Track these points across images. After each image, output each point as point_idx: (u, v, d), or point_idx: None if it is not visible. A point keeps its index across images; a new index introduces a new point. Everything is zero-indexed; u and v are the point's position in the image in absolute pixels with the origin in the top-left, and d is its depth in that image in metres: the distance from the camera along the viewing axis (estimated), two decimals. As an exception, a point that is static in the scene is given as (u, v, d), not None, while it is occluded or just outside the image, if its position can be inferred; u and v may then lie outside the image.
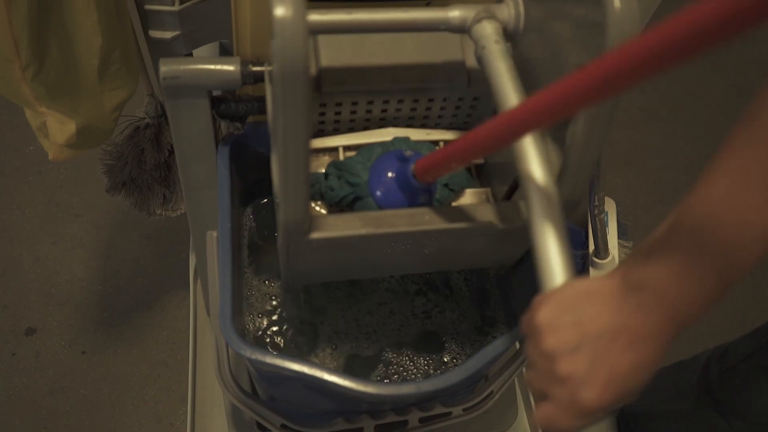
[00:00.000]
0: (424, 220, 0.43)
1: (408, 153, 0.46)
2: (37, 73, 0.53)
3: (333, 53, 0.48)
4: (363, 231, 0.43)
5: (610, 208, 1.10)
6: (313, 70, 0.46)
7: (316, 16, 0.40)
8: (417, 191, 0.44)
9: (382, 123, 0.54)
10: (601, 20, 0.35)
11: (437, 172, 0.41)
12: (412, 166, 0.43)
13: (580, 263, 1.11)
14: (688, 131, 1.42)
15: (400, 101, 0.52)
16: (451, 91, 0.52)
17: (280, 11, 0.32)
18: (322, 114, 0.52)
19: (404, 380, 0.60)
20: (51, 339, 1.05)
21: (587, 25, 0.37)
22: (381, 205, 0.45)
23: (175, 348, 1.05)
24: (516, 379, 0.87)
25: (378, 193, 0.45)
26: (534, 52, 0.44)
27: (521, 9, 0.44)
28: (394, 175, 0.45)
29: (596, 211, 0.96)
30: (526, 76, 0.46)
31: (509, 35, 0.45)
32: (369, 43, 0.49)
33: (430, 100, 0.52)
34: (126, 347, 1.05)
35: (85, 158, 1.13)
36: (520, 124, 0.31)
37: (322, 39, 0.50)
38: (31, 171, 1.23)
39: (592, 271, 1.04)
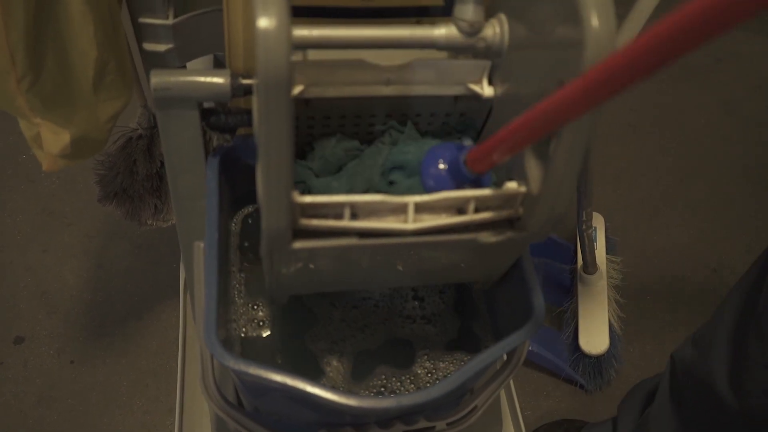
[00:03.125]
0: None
1: (467, 142, 0.45)
2: (32, 85, 0.54)
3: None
4: (346, 242, 0.43)
5: (599, 223, 1.11)
6: (301, 86, 0.46)
7: (300, 31, 0.41)
8: (466, 181, 0.43)
9: (370, 137, 0.55)
10: (579, 38, 0.36)
11: (487, 161, 0.40)
12: (464, 155, 0.42)
13: (568, 278, 1.12)
14: (676, 148, 1.43)
15: (388, 115, 0.53)
16: (438, 105, 0.52)
17: (263, 22, 0.33)
18: (310, 127, 0.52)
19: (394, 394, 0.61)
20: (40, 348, 1.05)
21: (567, 43, 0.38)
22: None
23: (164, 358, 1.05)
24: (503, 392, 0.87)
25: (431, 182, 0.44)
26: (516, 73, 0.45)
27: (506, 27, 0.45)
28: (446, 166, 0.44)
29: (584, 226, 0.97)
30: (509, 99, 0.47)
31: (494, 54, 0.46)
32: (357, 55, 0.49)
33: (418, 115, 0.53)
34: (115, 357, 1.05)
35: (78, 168, 1.14)
36: (568, 107, 0.30)
37: (312, 54, 0.51)
38: (23, 179, 1.24)
39: (579, 286, 1.05)
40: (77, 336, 1.06)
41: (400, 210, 0.42)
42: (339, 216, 0.42)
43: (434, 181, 0.44)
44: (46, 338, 1.05)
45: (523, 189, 0.43)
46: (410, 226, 0.41)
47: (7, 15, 0.49)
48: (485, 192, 0.42)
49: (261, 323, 0.62)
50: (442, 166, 0.44)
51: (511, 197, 0.43)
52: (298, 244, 0.43)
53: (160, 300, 1.11)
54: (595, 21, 0.36)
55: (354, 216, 0.42)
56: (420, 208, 0.42)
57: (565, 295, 1.11)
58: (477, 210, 0.43)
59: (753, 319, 0.64)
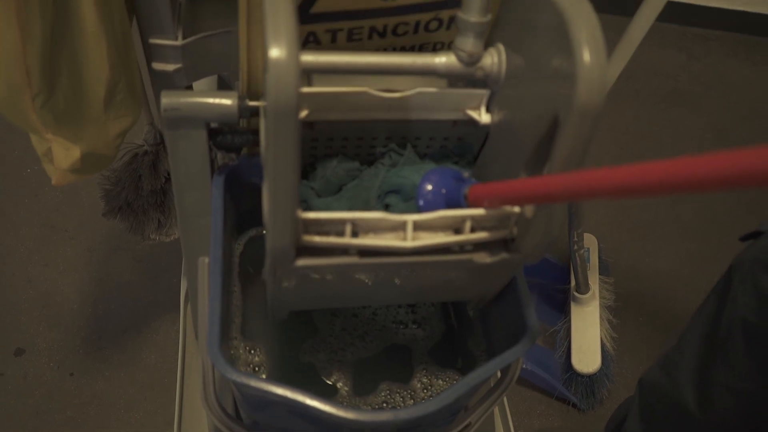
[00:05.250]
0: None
1: (466, 174, 0.47)
2: (46, 102, 0.56)
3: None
4: (347, 260, 0.45)
5: (592, 244, 1.14)
6: (306, 111, 0.48)
7: (308, 57, 0.43)
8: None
9: (371, 158, 0.57)
10: (572, 71, 0.38)
11: (490, 203, 0.43)
12: (466, 189, 0.44)
13: (562, 297, 1.13)
14: (671, 173, 1.46)
15: (389, 138, 0.55)
16: (437, 129, 0.54)
17: (274, 52, 0.35)
18: (313, 148, 0.54)
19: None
20: (40, 360, 1.05)
21: (560, 75, 0.40)
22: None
23: (162, 372, 1.06)
24: (497, 410, 0.88)
25: (421, 202, 0.46)
26: (512, 102, 0.47)
27: (503, 57, 0.47)
28: (445, 191, 0.46)
29: (576, 247, 0.99)
30: (505, 126, 0.49)
31: (492, 82, 0.49)
32: (359, 81, 0.51)
33: (417, 138, 0.55)
34: (114, 370, 1.06)
35: (81, 182, 1.15)
36: (595, 188, 0.31)
37: (317, 79, 0.53)
38: (27, 193, 1.25)
39: (572, 305, 1.07)
40: (77, 349, 1.07)
41: (399, 228, 0.43)
42: (340, 233, 0.43)
43: (429, 205, 0.46)
44: (46, 350, 1.06)
45: (516, 209, 0.44)
46: (409, 244, 0.43)
47: (25, 34, 0.51)
48: (480, 211, 0.44)
49: (257, 369, 0.63)
50: (438, 190, 0.46)
51: (505, 217, 0.45)
52: (302, 262, 0.44)
53: (159, 314, 1.12)
54: (587, 56, 0.37)
55: (355, 234, 0.44)
56: (418, 227, 0.44)
57: (558, 314, 1.13)
58: (473, 230, 0.45)
59: (716, 346, 0.68)
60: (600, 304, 1.08)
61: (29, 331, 1.08)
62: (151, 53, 0.68)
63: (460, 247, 0.47)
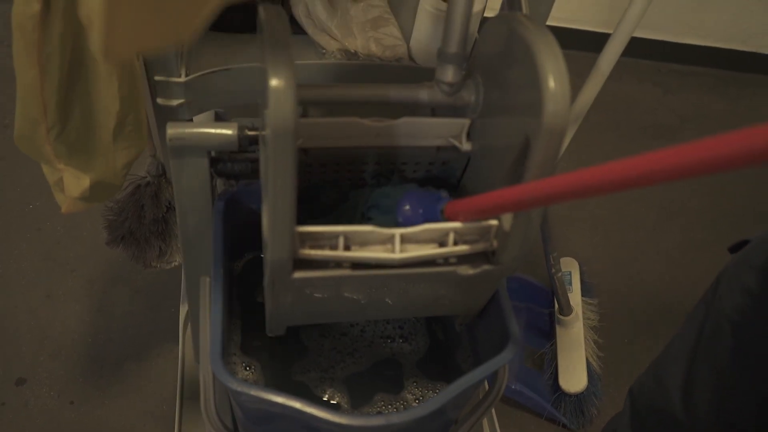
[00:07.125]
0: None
1: (444, 194, 0.52)
2: (59, 134, 0.60)
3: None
4: (340, 272, 0.49)
5: (573, 267, 1.18)
6: (301, 139, 0.53)
7: (303, 91, 0.48)
8: None
9: (361, 183, 0.61)
10: (539, 98, 0.43)
11: (465, 217, 0.47)
12: (442, 205, 0.49)
13: (548, 321, 1.17)
14: (651, 198, 1.51)
15: (377, 163, 0.59)
16: (422, 155, 0.59)
17: (274, 82, 0.39)
18: (308, 173, 0.59)
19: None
20: (41, 389, 1.08)
21: (530, 103, 0.44)
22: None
23: (161, 399, 1.08)
24: (485, 421, 0.91)
25: (400, 219, 0.51)
26: (490, 129, 0.52)
27: (480, 88, 0.52)
28: (422, 211, 0.51)
29: (553, 270, 1.03)
30: (484, 151, 0.53)
31: (470, 111, 0.53)
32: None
33: (404, 163, 0.59)
34: (114, 398, 1.08)
35: (82, 216, 1.20)
36: (563, 191, 0.35)
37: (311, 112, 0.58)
38: (30, 228, 1.29)
39: (558, 328, 1.10)
40: (77, 378, 1.09)
41: (388, 241, 0.48)
42: (334, 246, 0.47)
43: (408, 222, 0.50)
44: (47, 380, 1.09)
45: (494, 222, 0.49)
46: (398, 256, 0.47)
47: (44, 73, 0.56)
48: (462, 225, 0.48)
49: (259, 353, 0.67)
50: (416, 209, 0.51)
51: (485, 231, 0.49)
52: (298, 274, 0.48)
53: (158, 343, 1.15)
54: (552, 83, 0.42)
55: (347, 247, 0.48)
56: (405, 240, 0.48)
57: (545, 338, 1.16)
58: (456, 243, 0.49)
59: (702, 347, 0.72)
60: (584, 325, 1.11)
61: (30, 361, 1.11)
62: (156, 89, 0.73)
63: (445, 260, 0.51)
